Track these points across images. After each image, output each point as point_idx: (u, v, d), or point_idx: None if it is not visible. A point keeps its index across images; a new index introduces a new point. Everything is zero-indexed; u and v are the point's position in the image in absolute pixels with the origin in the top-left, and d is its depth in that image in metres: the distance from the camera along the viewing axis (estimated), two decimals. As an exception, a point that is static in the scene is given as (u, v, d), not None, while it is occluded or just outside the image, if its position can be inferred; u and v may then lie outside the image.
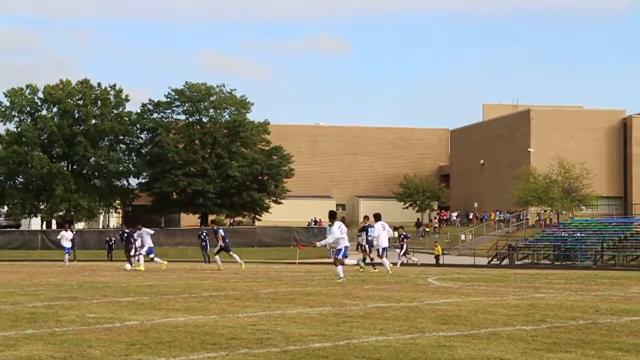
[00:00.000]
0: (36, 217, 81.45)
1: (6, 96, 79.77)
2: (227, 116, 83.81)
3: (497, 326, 12.38)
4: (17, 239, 67.20)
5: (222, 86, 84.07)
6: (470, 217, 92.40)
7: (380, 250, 30.52)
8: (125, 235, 38.18)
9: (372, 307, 15.58)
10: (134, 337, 11.47)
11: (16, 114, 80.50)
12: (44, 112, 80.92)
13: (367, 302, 16.64)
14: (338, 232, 23.33)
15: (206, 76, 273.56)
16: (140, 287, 21.88)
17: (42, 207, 79.33)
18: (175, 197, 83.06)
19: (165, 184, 79.06)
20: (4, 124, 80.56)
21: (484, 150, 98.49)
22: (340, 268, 22.89)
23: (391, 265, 31.26)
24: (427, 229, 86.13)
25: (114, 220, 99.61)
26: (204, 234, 48.68)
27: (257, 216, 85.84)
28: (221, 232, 34.44)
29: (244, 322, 13.16)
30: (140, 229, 36.62)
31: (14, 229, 75.60)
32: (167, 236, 67.49)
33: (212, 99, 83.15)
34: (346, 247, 23.65)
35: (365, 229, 32.26)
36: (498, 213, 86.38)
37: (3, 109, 79.78)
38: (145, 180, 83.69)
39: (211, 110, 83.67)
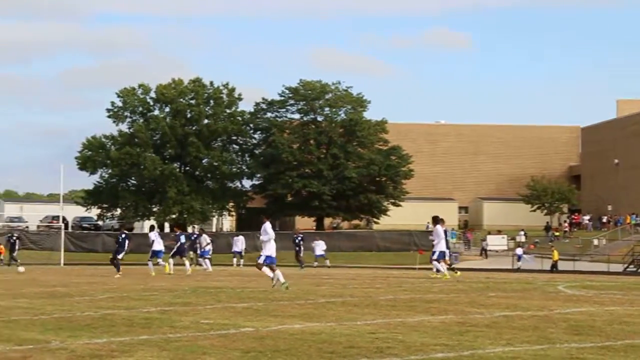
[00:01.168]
0: (149, 219, 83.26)
1: (119, 96, 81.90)
2: (343, 115, 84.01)
3: (635, 338, 12.05)
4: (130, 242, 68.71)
5: (337, 84, 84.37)
6: (604, 220, 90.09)
7: (436, 254, 30.29)
8: (194, 236, 40.02)
9: (497, 315, 15.39)
10: (249, 344, 11.63)
11: (129, 114, 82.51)
12: (156, 112, 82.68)
13: (493, 310, 16.44)
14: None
15: (321, 74, 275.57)
16: (255, 293, 22.18)
17: (154, 209, 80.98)
18: (289, 199, 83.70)
19: (279, 186, 79.77)
20: (117, 125, 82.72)
21: (619, 148, 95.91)
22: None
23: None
24: (557, 233, 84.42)
25: (228, 223, 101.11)
26: (299, 238, 49.42)
27: (375, 219, 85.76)
28: (182, 238, 36.51)
29: (363, 329, 13.17)
30: (202, 233, 38.76)
31: (128, 232, 77.45)
32: (281, 240, 67.99)
33: (327, 97, 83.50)
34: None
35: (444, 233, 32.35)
36: (634, 217, 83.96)
37: (116, 110, 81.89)
38: (259, 182, 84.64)
39: (326, 109, 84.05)
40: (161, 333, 13.12)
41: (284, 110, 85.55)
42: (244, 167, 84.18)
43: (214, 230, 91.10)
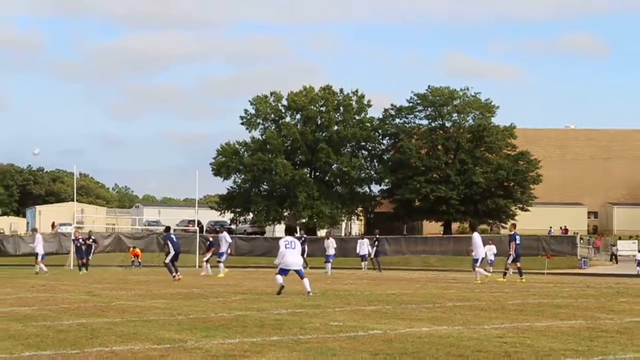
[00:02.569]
0: (280, 224, 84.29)
1: (251, 104, 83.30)
2: (471, 120, 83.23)
3: None
4: (261, 246, 69.76)
5: (465, 89, 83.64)
6: None
7: (478, 260, 31.37)
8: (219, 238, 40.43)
9: (628, 321, 14.95)
10: (377, 346, 11.64)
11: (261, 121, 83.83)
12: (288, 118, 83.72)
13: (623, 316, 15.99)
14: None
15: (450, 79, 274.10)
16: (383, 296, 22.17)
17: (285, 214, 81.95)
18: (417, 203, 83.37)
19: (407, 191, 79.54)
20: (250, 132, 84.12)
21: None
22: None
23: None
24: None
25: (356, 227, 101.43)
26: (378, 240, 49.51)
27: (503, 224, 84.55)
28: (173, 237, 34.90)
29: (490, 334, 13.01)
30: (221, 232, 38.95)
31: (259, 236, 78.67)
32: (409, 244, 67.92)
33: (455, 102, 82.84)
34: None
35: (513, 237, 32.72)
36: None
37: (249, 117, 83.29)
38: (387, 186, 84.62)
39: (454, 115, 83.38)
40: (292, 334, 13.25)
41: (412, 116, 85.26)
42: (372, 173, 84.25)
43: (342, 234, 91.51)
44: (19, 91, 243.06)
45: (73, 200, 56.45)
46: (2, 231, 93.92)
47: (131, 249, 56.94)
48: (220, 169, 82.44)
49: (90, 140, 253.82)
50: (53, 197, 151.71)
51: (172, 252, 32.70)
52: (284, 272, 22.46)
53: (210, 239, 41.61)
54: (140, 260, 52.99)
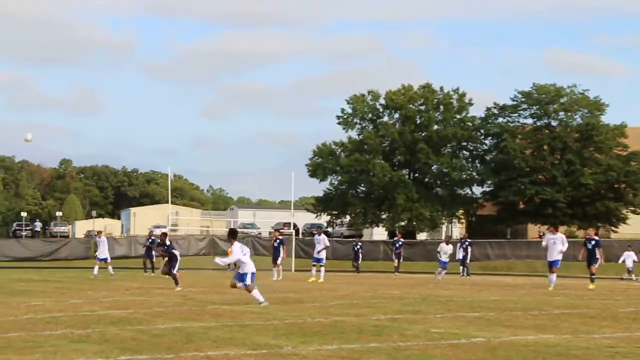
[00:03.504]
0: (378, 226, 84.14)
1: (349, 103, 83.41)
2: (579, 119, 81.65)
3: None
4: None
5: (573, 87, 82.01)
6: None
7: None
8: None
9: None
10: (480, 355, 11.52)
11: (358, 121, 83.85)
12: (386, 118, 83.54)
13: None
14: (240, 253, 21.06)
15: (556, 76, 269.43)
16: (486, 303, 21.94)
17: (383, 216, 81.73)
18: (522, 206, 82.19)
19: (511, 193, 78.49)
20: (347, 132, 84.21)
21: None
22: (255, 292, 20.88)
23: None
24: None
25: (457, 231, 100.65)
26: (467, 243, 48.97)
27: (614, 228, 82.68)
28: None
29: (601, 343, 12.75)
30: (319, 235, 38.45)
31: (356, 239, 78.55)
32: (513, 249, 67.00)
33: (562, 101, 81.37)
34: (253, 274, 21.00)
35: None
36: None
37: (346, 117, 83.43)
38: (490, 188, 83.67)
39: (561, 114, 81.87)
40: (391, 341, 13.22)
41: (517, 115, 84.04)
42: (474, 174, 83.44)
43: (443, 237, 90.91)
44: (113, 93, 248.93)
45: (168, 203, 57.37)
46: (96, 234, 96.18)
47: (229, 249, 57.34)
48: (317, 170, 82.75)
49: (184, 141, 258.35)
50: (148, 199, 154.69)
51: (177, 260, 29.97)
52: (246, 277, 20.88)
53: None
54: (237, 263, 53.33)
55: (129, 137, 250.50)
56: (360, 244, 56.68)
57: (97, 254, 40.39)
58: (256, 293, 20.73)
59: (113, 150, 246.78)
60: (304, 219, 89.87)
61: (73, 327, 15.35)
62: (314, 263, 37.64)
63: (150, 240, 42.75)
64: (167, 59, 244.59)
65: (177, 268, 28.43)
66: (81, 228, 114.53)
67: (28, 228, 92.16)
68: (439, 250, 42.12)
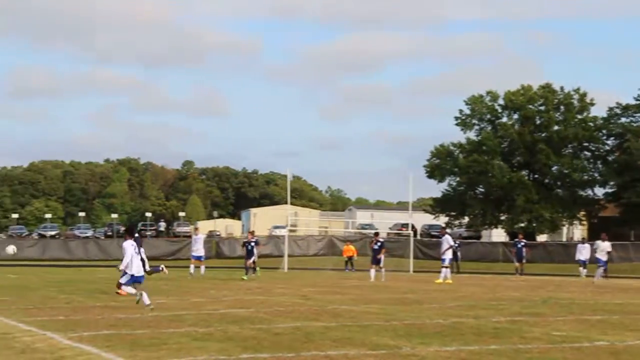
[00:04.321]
0: (496, 228, 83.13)
1: (467, 104, 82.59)
2: None
3: None
4: (477, 251, 69.08)
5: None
6: None
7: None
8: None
9: None
10: (604, 358, 11.28)
11: (476, 121, 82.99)
12: (504, 119, 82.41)
13: None
14: (131, 251, 19.81)
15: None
16: (609, 305, 21.46)
17: (502, 218, 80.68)
18: (646, 208, 79.86)
19: (634, 194, 76.32)
20: (465, 133, 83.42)
21: None
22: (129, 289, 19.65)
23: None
24: None
25: (578, 232, 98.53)
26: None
27: None
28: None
29: None
30: (443, 235, 37.40)
31: (475, 240, 77.88)
32: (636, 251, 65.23)
33: (692, 99, 78.84)
34: (133, 276, 19.67)
35: None
36: None
37: (463, 117, 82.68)
38: (612, 190, 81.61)
39: (691, 112, 79.31)
40: (511, 343, 13.06)
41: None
42: (595, 175, 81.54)
43: (564, 239, 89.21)
44: (236, 95, 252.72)
45: (287, 203, 57.83)
46: (218, 233, 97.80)
47: (345, 245, 57.36)
48: (435, 171, 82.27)
49: (304, 142, 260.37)
50: (267, 200, 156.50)
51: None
52: (136, 280, 19.82)
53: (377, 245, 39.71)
54: (353, 263, 53.31)
55: (250, 138, 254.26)
56: (458, 242, 55.15)
57: (192, 252, 39.81)
58: (128, 289, 19.80)
59: (234, 151, 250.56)
60: (422, 219, 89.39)
61: (196, 325, 15.66)
62: (443, 264, 37.34)
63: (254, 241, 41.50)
64: (289, 61, 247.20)
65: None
66: (203, 228, 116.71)
67: (152, 228, 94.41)
68: (594, 247, 41.09)
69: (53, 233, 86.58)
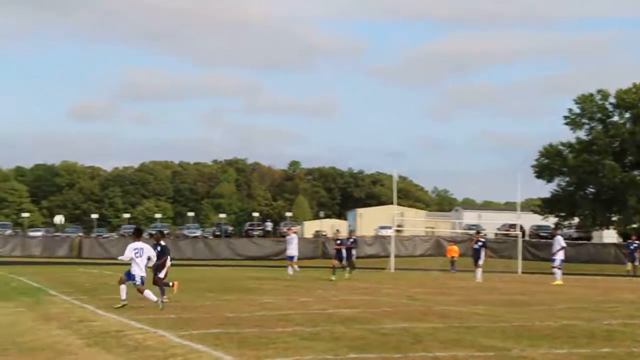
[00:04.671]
0: (607, 229, 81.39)
1: (576, 103, 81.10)
2: None
3: None
4: (587, 252, 67.75)
5: None
6: None
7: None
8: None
9: None
10: None
11: (586, 121, 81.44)
12: (616, 118, 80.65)
13: None
14: (131, 253, 19.69)
15: None
16: None
17: (614, 218, 78.96)
18: None
19: None
20: (574, 132, 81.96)
21: None
22: (147, 292, 19.59)
23: None
24: None
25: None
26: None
27: None
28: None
29: None
30: (555, 235, 36.14)
31: (585, 242, 76.35)
32: None
33: None
34: (142, 277, 19.71)
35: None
36: None
37: (573, 117, 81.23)
38: None
39: None
40: (624, 347, 12.76)
41: None
42: None
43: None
44: (342, 96, 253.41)
45: (393, 203, 57.66)
46: (324, 234, 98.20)
47: (449, 246, 56.96)
48: (543, 171, 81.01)
49: (410, 142, 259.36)
50: (373, 200, 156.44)
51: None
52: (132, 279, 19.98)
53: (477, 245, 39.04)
54: (454, 263, 52.70)
55: (356, 138, 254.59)
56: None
57: (286, 252, 38.96)
58: (148, 293, 19.82)
59: (340, 152, 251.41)
60: (530, 220, 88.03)
61: (303, 325, 15.74)
62: (553, 265, 36.65)
63: (351, 240, 40.18)
64: (395, 61, 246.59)
65: (163, 273, 22.76)
66: (309, 228, 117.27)
67: (259, 227, 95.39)
68: None
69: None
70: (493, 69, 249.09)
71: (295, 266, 37.83)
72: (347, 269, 37.17)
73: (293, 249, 38.24)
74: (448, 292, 27.49)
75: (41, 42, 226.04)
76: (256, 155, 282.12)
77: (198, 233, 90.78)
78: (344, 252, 37.54)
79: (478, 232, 42.70)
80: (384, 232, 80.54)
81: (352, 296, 24.62)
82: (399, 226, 74.54)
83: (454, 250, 54.46)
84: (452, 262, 52.69)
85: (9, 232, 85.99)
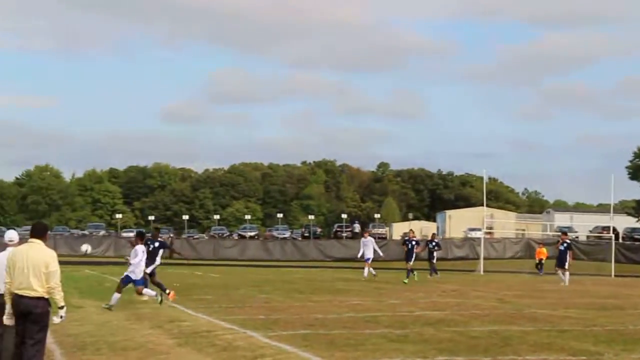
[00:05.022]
0: None
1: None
2: None
3: None
4: None
5: None
6: None
7: None
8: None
9: None
10: None
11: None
12: None
13: None
14: (141, 254, 20.51)
15: None
16: None
17: None
18: None
19: None
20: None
21: None
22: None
23: None
24: None
25: None
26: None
27: None
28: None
29: None
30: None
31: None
32: None
33: None
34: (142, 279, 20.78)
35: None
36: None
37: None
38: None
39: None
40: None
41: None
42: None
43: None
44: (432, 97, 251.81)
45: (482, 205, 57.09)
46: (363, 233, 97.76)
47: (538, 248, 56.18)
48: (637, 172, 79.45)
49: (501, 144, 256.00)
50: (462, 202, 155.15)
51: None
52: (130, 281, 20.67)
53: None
54: (541, 264, 51.77)
55: (445, 139, 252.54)
56: None
57: (362, 254, 37.87)
58: (147, 291, 20.99)
59: (429, 153, 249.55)
60: (624, 222, 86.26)
61: (391, 327, 15.72)
62: None
63: (434, 243, 39.10)
64: (486, 62, 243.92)
65: (151, 269, 22.83)
66: (398, 230, 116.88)
67: (348, 229, 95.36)
68: None
69: (252, 234, 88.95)
70: (588, 70, 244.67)
71: (371, 268, 36.96)
72: (414, 271, 35.72)
73: (368, 252, 37.40)
74: (538, 295, 27.11)
75: (133, 46, 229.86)
76: (345, 156, 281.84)
77: (287, 234, 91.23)
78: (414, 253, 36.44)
79: (564, 234, 41.48)
80: (473, 234, 79.81)
81: (440, 298, 24.47)
82: (488, 228, 73.72)
83: (542, 252, 53.69)
84: (540, 265, 51.93)
85: (102, 232, 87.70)
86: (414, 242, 37.06)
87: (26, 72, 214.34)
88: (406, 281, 33.97)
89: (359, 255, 38.25)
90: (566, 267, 36.00)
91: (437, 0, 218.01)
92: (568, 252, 36.61)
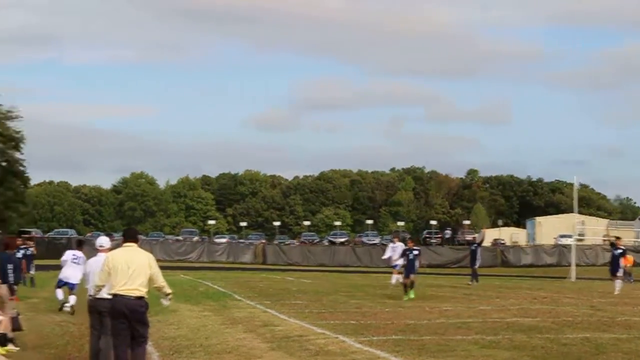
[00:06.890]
0: None
1: None
2: None
3: None
4: None
5: None
6: None
7: None
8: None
9: None
10: None
11: None
12: None
13: None
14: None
15: None
16: None
17: None
18: None
19: None
20: None
21: None
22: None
23: None
24: None
25: None
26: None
27: None
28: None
29: None
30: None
31: None
32: None
33: None
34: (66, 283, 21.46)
35: None
36: None
37: None
38: None
39: None
40: None
41: None
42: None
43: None
44: (520, 103, 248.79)
45: (573, 212, 56.18)
46: (503, 242, 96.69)
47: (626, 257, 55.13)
48: None
49: (590, 150, 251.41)
50: (553, 208, 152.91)
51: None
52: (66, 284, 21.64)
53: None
54: (630, 272, 50.66)
55: (534, 146, 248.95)
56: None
57: (391, 261, 34.05)
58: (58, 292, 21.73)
59: (518, 160, 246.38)
60: None
61: (483, 333, 15.61)
62: None
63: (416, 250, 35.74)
64: (575, 67, 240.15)
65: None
66: (488, 236, 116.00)
67: (437, 235, 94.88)
68: None
69: (342, 240, 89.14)
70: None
71: (399, 276, 31.92)
72: (412, 287, 28.67)
73: (396, 258, 32.61)
74: (632, 302, 26.55)
75: (226, 55, 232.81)
76: (433, 163, 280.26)
77: (376, 241, 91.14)
78: (417, 264, 29.99)
79: (618, 238, 39.12)
80: (564, 241, 78.57)
81: (531, 305, 24.16)
82: (580, 235, 72.44)
83: (628, 259, 52.68)
84: (626, 272, 50.95)
85: (196, 238, 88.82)
86: (415, 253, 30.08)
87: (116, 82, 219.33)
88: (412, 296, 27.72)
89: (384, 257, 34.79)
90: (618, 274, 34.12)
91: (527, 6, 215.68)
92: (621, 258, 34.93)
